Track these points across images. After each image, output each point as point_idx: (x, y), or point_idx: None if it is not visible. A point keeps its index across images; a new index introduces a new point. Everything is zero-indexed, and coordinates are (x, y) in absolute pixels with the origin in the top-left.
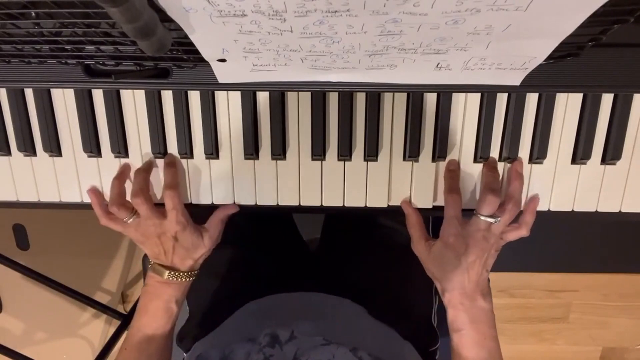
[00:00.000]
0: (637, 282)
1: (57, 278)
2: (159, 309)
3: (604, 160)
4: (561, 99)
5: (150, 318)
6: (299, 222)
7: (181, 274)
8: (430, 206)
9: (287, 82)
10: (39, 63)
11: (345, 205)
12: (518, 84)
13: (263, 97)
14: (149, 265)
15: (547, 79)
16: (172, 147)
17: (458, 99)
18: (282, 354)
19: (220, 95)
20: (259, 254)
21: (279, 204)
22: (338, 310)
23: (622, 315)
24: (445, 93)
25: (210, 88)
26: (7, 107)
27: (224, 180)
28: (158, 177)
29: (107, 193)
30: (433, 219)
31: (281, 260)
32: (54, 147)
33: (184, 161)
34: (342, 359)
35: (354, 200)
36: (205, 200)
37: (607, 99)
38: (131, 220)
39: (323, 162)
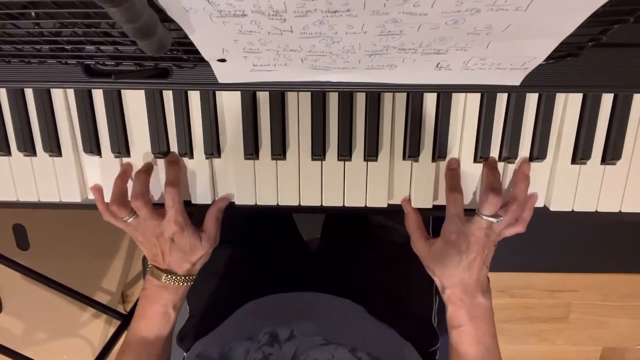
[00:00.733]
0: (637, 282)
1: (57, 278)
2: (157, 313)
3: (604, 160)
4: (561, 99)
5: (147, 322)
6: (299, 222)
7: (178, 277)
8: (430, 206)
9: (287, 82)
10: (39, 63)
11: (345, 205)
12: (518, 84)
13: (263, 97)
14: (147, 269)
15: (547, 79)
16: (172, 147)
17: (458, 99)
18: (281, 352)
19: (220, 95)
20: (259, 254)
21: (279, 204)
22: (338, 311)
23: (622, 315)
24: (445, 93)
25: (210, 88)
26: (7, 107)
27: (224, 180)
28: (158, 178)
29: (106, 194)
30: (433, 218)
31: (281, 260)
32: (54, 147)
33: (184, 161)
34: (341, 359)
35: (354, 200)
36: (205, 200)
37: (607, 99)
38: (131, 219)
39: (323, 162)
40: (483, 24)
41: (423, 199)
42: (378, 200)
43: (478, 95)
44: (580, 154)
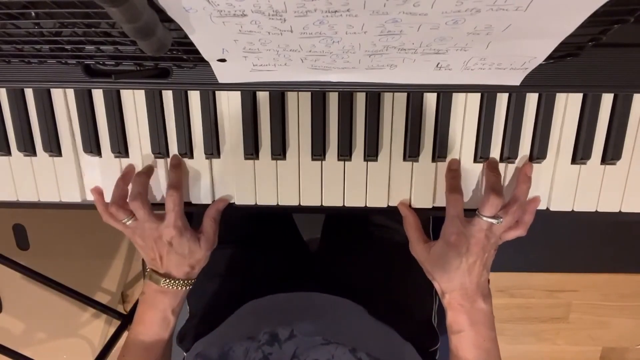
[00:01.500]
0: (637, 282)
1: (57, 278)
2: (156, 318)
3: (604, 160)
4: (561, 99)
5: (146, 327)
6: (299, 222)
7: (177, 281)
8: (430, 206)
9: (287, 82)
10: (39, 63)
11: (345, 205)
12: (518, 84)
13: (263, 97)
14: (146, 273)
15: (547, 79)
16: (172, 147)
17: (458, 99)
18: (281, 352)
19: (220, 95)
20: (259, 254)
21: (279, 204)
22: (338, 310)
23: (622, 315)
24: (445, 93)
25: (210, 88)
26: (7, 107)
27: (224, 180)
28: (158, 179)
29: (106, 194)
30: (433, 219)
31: (281, 260)
32: (54, 147)
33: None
34: (341, 359)
35: (354, 200)
36: (205, 200)
37: (607, 99)
38: (130, 222)
39: (323, 162)
40: (483, 24)
41: (423, 200)
42: (378, 200)
43: (478, 95)
44: (580, 154)
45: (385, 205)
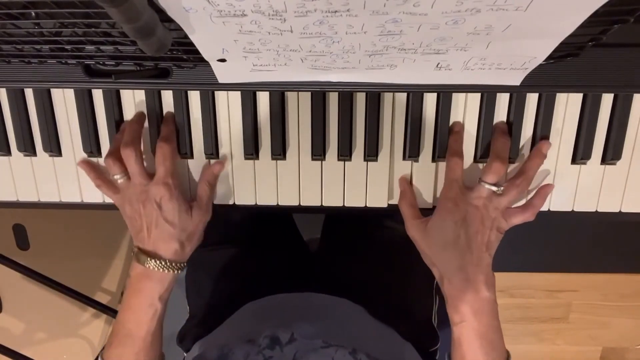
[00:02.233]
0: (637, 282)
1: (57, 278)
2: (141, 305)
3: (604, 160)
4: (561, 99)
5: (133, 314)
6: (299, 222)
7: (164, 262)
8: (430, 206)
9: (287, 82)
10: (39, 63)
11: (345, 205)
12: (518, 84)
13: (263, 97)
14: (133, 253)
15: (547, 79)
16: None
17: (458, 99)
18: (282, 355)
19: (220, 95)
20: (259, 254)
21: (279, 204)
22: (338, 311)
23: (622, 315)
24: (445, 93)
25: (210, 88)
26: (7, 107)
27: (224, 180)
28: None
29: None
30: None
31: (281, 260)
32: (54, 147)
33: (184, 161)
34: None
35: (354, 200)
36: None
37: (607, 99)
38: (122, 180)
39: (323, 162)
40: (483, 24)
41: (423, 199)
42: (378, 200)
43: (478, 95)
44: (580, 154)
45: (385, 205)
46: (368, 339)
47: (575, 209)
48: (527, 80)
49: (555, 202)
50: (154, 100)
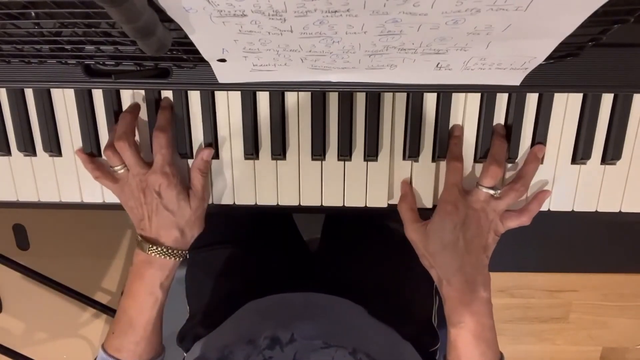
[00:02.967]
0: (637, 282)
1: (57, 278)
2: (142, 292)
3: (604, 160)
4: (561, 99)
5: (134, 301)
6: (299, 222)
7: (165, 249)
8: (430, 206)
9: (287, 82)
10: (39, 63)
11: (345, 205)
12: (518, 84)
13: (263, 97)
14: (136, 241)
15: (547, 79)
16: None
17: (458, 99)
18: (282, 355)
19: (220, 95)
20: (259, 254)
21: (279, 204)
22: (338, 311)
23: (622, 315)
24: (445, 93)
25: (210, 88)
26: (7, 107)
27: (224, 180)
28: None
29: (106, 193)
30: None
31: (281, 260)
32: (54, 147)
33: (184, 161)
34: None
35: (354, 200)
36: None
37: (607, 99)
38: (122, 171)
39: (323, 162)
40: (483, 24)
41: (423, 199)
42: (378, 200)
43: (478, 95)
44: (580, 154)
45: (385, 205)
46: (368, 339)
47: (575, 209)
48: (527, 80)
49: (555, 202)
50: (154, 100)
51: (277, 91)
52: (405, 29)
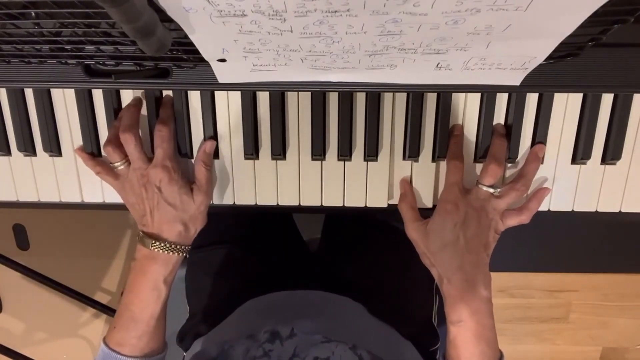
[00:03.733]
0: (637, 282)
1: (57, 278)
2: (146, 288)
3: (604, 160)
4: (561, 99)
5: (137, 296)
6: (299, 222)
7: (168, 245)
8: (430, 206)
9: (287, 82)
10: (39, 63)
11: (345, 205)
12: (518, 84)
13: (263, 97)
14: (138, 237)
15: (547, 79)
16: None
17: (458, 99)
18: (282, 349)
19: (220, 95)
20: (259, 253)
21: (279, 204)
22: (338, 308)
23: (622, 315)
24: (445, 93)
25: (210, 88)
26: (7, 107)
27: (224, 180)
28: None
29: (106, 193)
30: None
31: (281, 260)
32: (54, 147)
33: (183, 161)
34: (341, 356)
35: (354, 200)
36: None
37: (607, 99)
38: (122, 167)
39: (323, 162)
40: (483, 24)
41: (423, 199)
42: (378, 200)
43: (478, 95)
44: (580, 154)
45: (385, 205)
46: (368, 337)
47: (575, 209)
48: (527, 80)
49: (555, 202)
50: (154, 100)
51: (277, 91)
52: (405, 29)
